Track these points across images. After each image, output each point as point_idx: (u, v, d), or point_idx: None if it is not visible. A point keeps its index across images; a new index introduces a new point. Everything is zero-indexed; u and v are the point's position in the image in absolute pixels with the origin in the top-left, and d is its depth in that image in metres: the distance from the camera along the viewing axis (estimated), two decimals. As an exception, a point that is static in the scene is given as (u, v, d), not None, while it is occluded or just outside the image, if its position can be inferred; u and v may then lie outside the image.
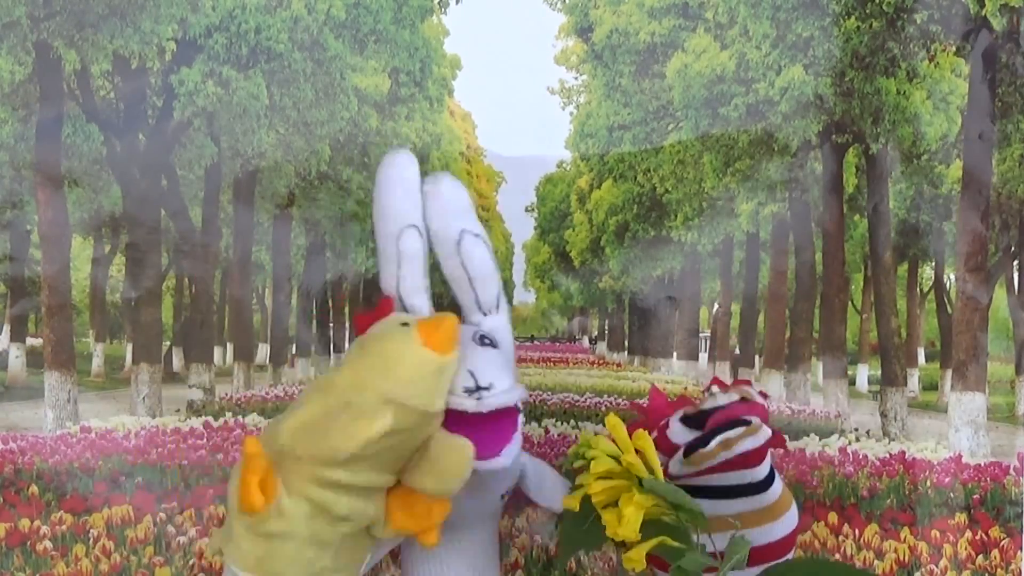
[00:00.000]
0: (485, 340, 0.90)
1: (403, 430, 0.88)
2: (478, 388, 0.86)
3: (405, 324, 0.89)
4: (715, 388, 0.89)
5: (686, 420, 0.88)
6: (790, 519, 0.97)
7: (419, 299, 0.95)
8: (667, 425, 0.89)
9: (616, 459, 0.77)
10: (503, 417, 0.88)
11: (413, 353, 0.86)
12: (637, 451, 0.79)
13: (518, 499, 1.06)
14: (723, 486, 0.92)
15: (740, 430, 0.87)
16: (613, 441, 0.83)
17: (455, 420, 0.89)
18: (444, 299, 0.98)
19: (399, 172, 0.93)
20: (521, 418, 0.92)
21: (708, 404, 0.88)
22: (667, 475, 0.85)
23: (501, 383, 0.87)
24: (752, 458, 0.89)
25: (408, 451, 0.90)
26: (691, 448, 0.86)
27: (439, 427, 0.90)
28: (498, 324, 0.94)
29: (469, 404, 0.87)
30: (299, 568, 0.92)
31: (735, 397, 0.89)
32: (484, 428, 0.89)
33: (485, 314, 0.94)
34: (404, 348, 0.86)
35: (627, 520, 0.75)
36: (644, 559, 0.77)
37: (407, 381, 0.86)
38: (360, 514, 0.91)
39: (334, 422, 0.87)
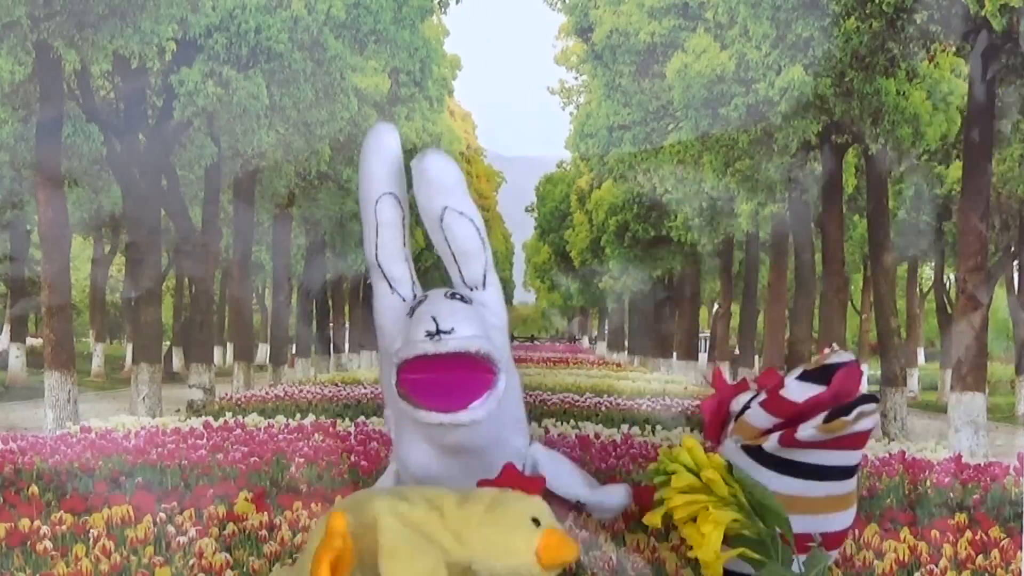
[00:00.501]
0: (455, 295, 0.91)
1: None
2: (438, 331, 0.86)
3: (536, 521, 0.88)
4: (835, 345, 0.89)
5: (805, 376, 0.86)
6: (852, 513, 0.98)
7: (398, 267, 0.96)
8: (781, 384, 0.87)
9: (695, 474, 0.77)
10: (472, 372, 0.88)
11: (523, 559, 0.85)
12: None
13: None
14: (820, 465, 0.91)
15: (873, 406, 0.88)
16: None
17: (419, 367, 0.89)
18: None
19: (377, 140, 0.94)
20: (500, 383, 0.90)
21: (833, 359, 0.85)
22: (782, 442, 0.85)
23: (463, 330, 0.87)
24: (861, 439, 0.90)
25: None
26: (833, 415, 0.84)
27: None
28: (487, 299, 0.95)
29: (428, 346, 0.87)
30: None
31: (852, 356, 0.87)
32: (451, 381, 0.87)
33: (472, 289, 0.95)
34: (521, 551, 0.85)
35: (708, 538, 0.76)
36: (721, 573, 0.77)
37: (501, 570, 0.86)
38: None
39: (415, 546, 0.86)
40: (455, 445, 0.89)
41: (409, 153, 1.09)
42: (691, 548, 0.85)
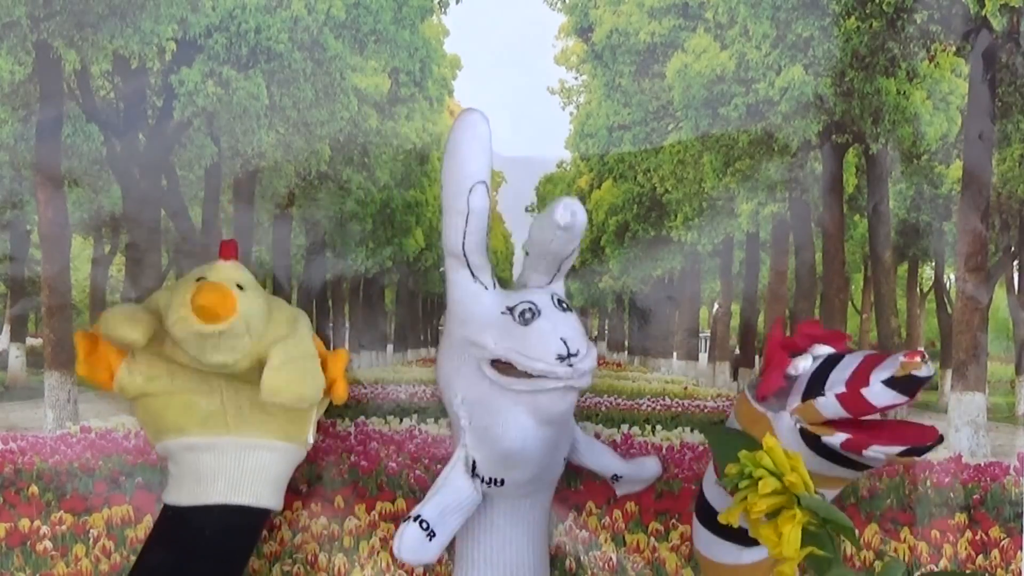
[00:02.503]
0: (562, 304, 0.96)
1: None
2: (570, 355, 0.92)
3: (201, 278, 0.94)
4: (925, 354, 0.86)
5: (891, 383, 0.85)
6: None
7: (481, 256, 0.97)
8: (865, 381, 0.86)
9: (778, 477, 0.78)
10: None
11: (180, 314, 0.92)
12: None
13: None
14: (859, 462, 0.90)
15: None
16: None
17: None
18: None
19: (472, 128, 0.95)
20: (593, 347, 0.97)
21: (922, 373, 0.85)
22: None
23: (586, 347, 0.93)
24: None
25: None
26: (909, 453, 0.86)
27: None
28: (557, 288, 1.00)
29: (562, 371, 0.92)
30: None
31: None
32: None
33: (550, 282, 1.00)
34: (178, 306, 0.92)
35: (787, 538, 0.77)
36: (795, 572, 0.78)
37: (175, 334, 0.93)
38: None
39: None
40: (561, 412, 0.94)
41: (409, 153, 1.10)
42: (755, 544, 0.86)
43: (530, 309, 0.95)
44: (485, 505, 1.04)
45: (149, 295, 1.06)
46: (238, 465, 1.02)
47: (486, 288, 0.98)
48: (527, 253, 1.00)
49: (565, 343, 0.92)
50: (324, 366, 1.03)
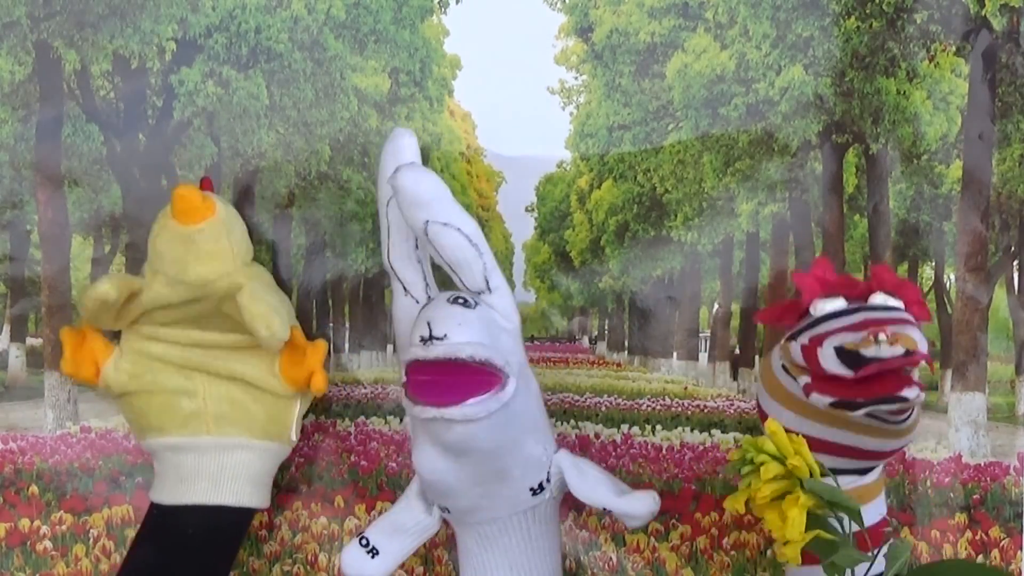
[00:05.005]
0: (459, 299, 0.91)
1: (182, 297, 0.95)
2: (431, 337, 0.87)
3: None
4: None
5: (841, 354, 0.82)
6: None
7: (410, 270, 0.96)
8: (822, 343, 0.82)
9: (780, 461, 0.78)
10: (474, 375, 0.88)
11: (161, 223, 0.93)
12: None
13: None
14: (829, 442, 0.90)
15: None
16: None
17: (423, 371, 0.88)
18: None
19: (391, 144, 0.95)
20: (508, 387, 0.89)
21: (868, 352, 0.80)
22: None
23: (456, 336, 0.87)
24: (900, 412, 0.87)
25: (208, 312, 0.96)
26: (838, 406, 0.83)
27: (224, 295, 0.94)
28: (494, 303, 0.93)
29: (419, 351, 0.87)
30: None
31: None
32: (453, 382, 0.88)
33: (478, 294, 0.93)
34: (160, 215, 0.94)
35: (792, 521, 0.76)
36: (799, 556, 0.77)
37: (161, 252, 0.94)
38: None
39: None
40: (454, 444, 0.89)
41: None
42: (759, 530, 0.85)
43: (424, 306, 0.93)
44: (459, 531, 1.04)
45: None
46: (218, 465, 1.02)
47: (417, 302, 0.97)
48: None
49: (429, 325, 0.88)
50: (302, 357, 1.03)
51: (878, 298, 0.87)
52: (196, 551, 1.01)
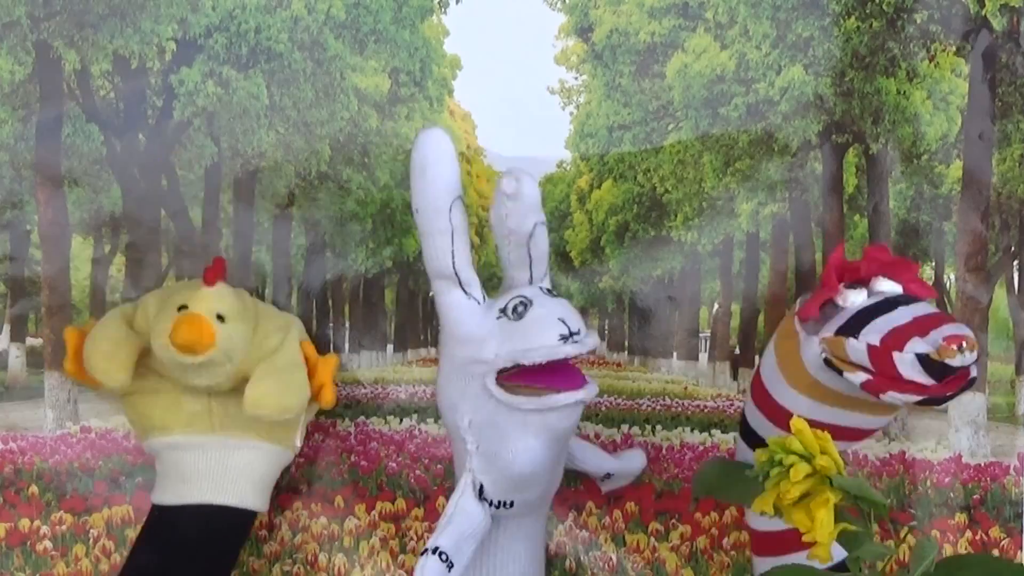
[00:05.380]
0: (553, 292, 0.96)
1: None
2: (571, 334, 0.91)
3: (183, 307, 0.94)
4: (965, 342, 0.82)
5: (922, 361, 0.81)
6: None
7: (470, 271, 0.96)
8: (899, 346, 0.82)
9: (807, 460, 0.77)
10: (565, 363, 0.93)
11: (161, 341, 0.93)
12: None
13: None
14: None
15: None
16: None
17: (516, 375, 0.91)
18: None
19: (439, 147, 0.94)
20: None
21: (956, 362, 0.81)
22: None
23: (585, 327, 0.93)
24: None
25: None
26: (925, 403, 0.83)
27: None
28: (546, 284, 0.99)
29: (570, 349, 0.90)
30: None
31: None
32: (567, 368, 0.93)
33: (531, 278, 0.98)
34: (160, 333, 0.93)
35: (820, 521, 0.75)
36: (830, 554, 0.77)
37: (158, 357, 0.94)
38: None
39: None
40: (571, 427, 0.93)
41: (409, 153, 1.09)
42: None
43: (521, 302, 0.94)
44: (495, 526, 1.03)
45: (149, 294, 1.06)
46: (223, 465, 1.02)
47: (479, 303, 0.97)
48: (497, 249, 1.00)
49: (564, 322, 0.92)
50: (313, 371, 1.02)
51: (884, 284, 0.87)
52: (197, 552, 1.01)
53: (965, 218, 1.27)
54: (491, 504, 0.99)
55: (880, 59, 1.27)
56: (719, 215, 1.34)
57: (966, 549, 1.32)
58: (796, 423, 0.78)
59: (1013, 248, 1.31)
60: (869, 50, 1.27)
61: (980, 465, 1.26)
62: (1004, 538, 1.32)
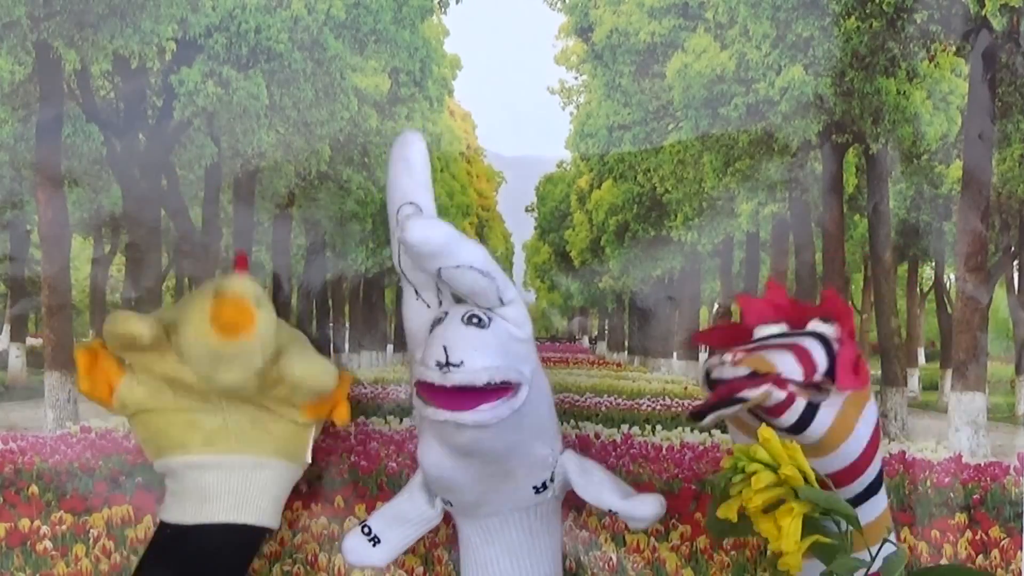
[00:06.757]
0: (473, 319, 0.89)
1: (202, 387, 0.93)
2: (448, 363, 0.86)
3: (218, 292, 0.90)
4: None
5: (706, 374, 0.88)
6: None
7: (421, 277, 0.95)
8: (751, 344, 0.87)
9: (773, 469, 0.77)
10: (488, 389, 0.87)
11: (197, 326, 0.89)
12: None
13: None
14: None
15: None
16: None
17: (427, 389, 0.87)
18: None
19: (401, 150, 0.95)
20: (520, 394, 0.89)
21: (713, 374, 0.86)
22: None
23: (473, 362, 0.86)
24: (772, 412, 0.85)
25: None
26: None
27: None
28: (508, 314, 0.92)
29: (435, 377, 0.86)
30: None
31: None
32: (465, 390, 0.87)
33: (490, 309, 0.93)
34: (195, 320, 0.88)
35: (786, 531, 0.74)
36: (800, 563, 0.76)
37: (188, 349, 0.90)
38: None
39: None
40: (463, 447, 0.89)
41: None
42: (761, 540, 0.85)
43: (439, 319, 0.91)
44: (461, 524, 1.04)
45: (149, 295, 1.06)
46: (244, 483, 1.02)
47: (428, 306, 0.97)
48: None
49: (445, 350, 0.87)
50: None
51: (812, 325, 0.89)
52: (211, 570, 1.01)
53: (965, 218, 1.27)
54: (440, 499, 1.00)
55: (880, 59, 1.28)
56: (719, 215, 1.34)
57: (966, 549, 1.32)
58: (763, 431, 0.77)
59: (1013, 248, 1.31)
60: (869, 50, 1.27)
61: (980, 465, 1.26)
62: (1004, 538, 1.32)
